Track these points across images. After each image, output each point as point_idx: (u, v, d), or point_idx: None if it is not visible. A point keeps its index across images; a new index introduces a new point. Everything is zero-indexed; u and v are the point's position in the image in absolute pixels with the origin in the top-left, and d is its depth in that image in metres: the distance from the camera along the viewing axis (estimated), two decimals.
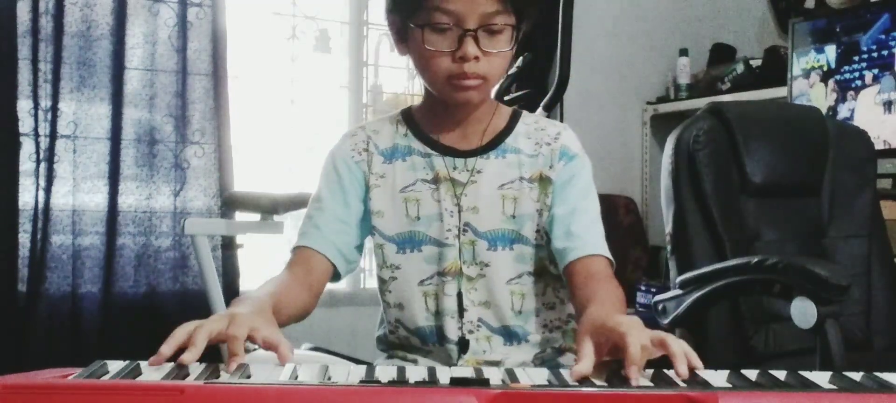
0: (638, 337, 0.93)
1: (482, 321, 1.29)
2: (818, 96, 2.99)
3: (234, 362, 0.91)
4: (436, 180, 1.30)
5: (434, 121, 1.33)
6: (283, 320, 1.13)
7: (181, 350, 0.92)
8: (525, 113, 1.38)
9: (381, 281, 1.34)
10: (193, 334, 0.93)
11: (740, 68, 3.57)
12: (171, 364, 0.88)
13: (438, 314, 1.29)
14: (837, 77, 2.96)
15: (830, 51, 2.96)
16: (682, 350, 0.92)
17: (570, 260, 1.26)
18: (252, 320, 0.98)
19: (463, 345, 1.28)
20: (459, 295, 1.28)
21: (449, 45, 1.20)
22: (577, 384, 0.86)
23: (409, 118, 1.36)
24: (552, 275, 1.32)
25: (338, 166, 1.33)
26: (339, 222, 1.30)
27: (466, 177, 1.29)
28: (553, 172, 1.31)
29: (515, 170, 1.31)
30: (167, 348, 0.91)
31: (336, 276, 1.32)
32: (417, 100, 1.39)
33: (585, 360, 0.95)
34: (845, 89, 2.94)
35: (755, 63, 3.57)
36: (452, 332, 1.28)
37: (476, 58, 1.20)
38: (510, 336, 1.30)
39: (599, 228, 1.30)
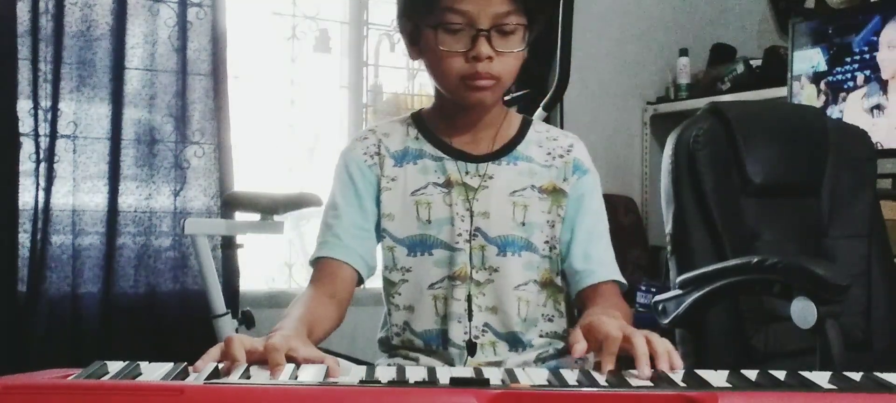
0: (615, 328, 0.98)
1: (488, 326, 1.29)
2: (810, 98, 2.98)
3: (278, 371, 0.89)
4: (448, 184, 1.30)
5: (445, 125, 1.33)
6: (315, 341, 1.12)
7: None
8: (535, 120, 1.39)
9: (390, 284, 1.33)
10: (230, 348, 0.91)
11: (740, 68, 3.57)
12: (171, 364, 0.88)
13: (446, 318, 1.29)
14: (829, 78, 2.94)
15: (819, 53, 2.94)
16: (645, 352, 0.94)
17: (587, 284, 1.30)
18: (289, 340, 0.96)
19: (470, 349, 1.28)
20: (469, 299, 1.28)
21: (462, 46, 1.20)
22: (577, 384, 0.86)
23: (419, 121, 1.36)
24: (556, 288, 1.34)
25: (351, 171, 1.33)
26: (357, 228, 1.30)
27: (478, 182, 1.30)
28: (567, 185, 1.32)
29: (527, 179, 1.31)
30: (202, 363, 0.90)
31: (359, 282, 1.32)
32: (418, 101, 1.39)
33: (579, 343, 1.01)
34: (837, 91, 2.93)
35: (755, 63, 3.57)
36: (458, 336, 1.28)
37: (489, 58, 1.20)
38: (515, 342, 1.30)
39: (612, 251, 1.34)
